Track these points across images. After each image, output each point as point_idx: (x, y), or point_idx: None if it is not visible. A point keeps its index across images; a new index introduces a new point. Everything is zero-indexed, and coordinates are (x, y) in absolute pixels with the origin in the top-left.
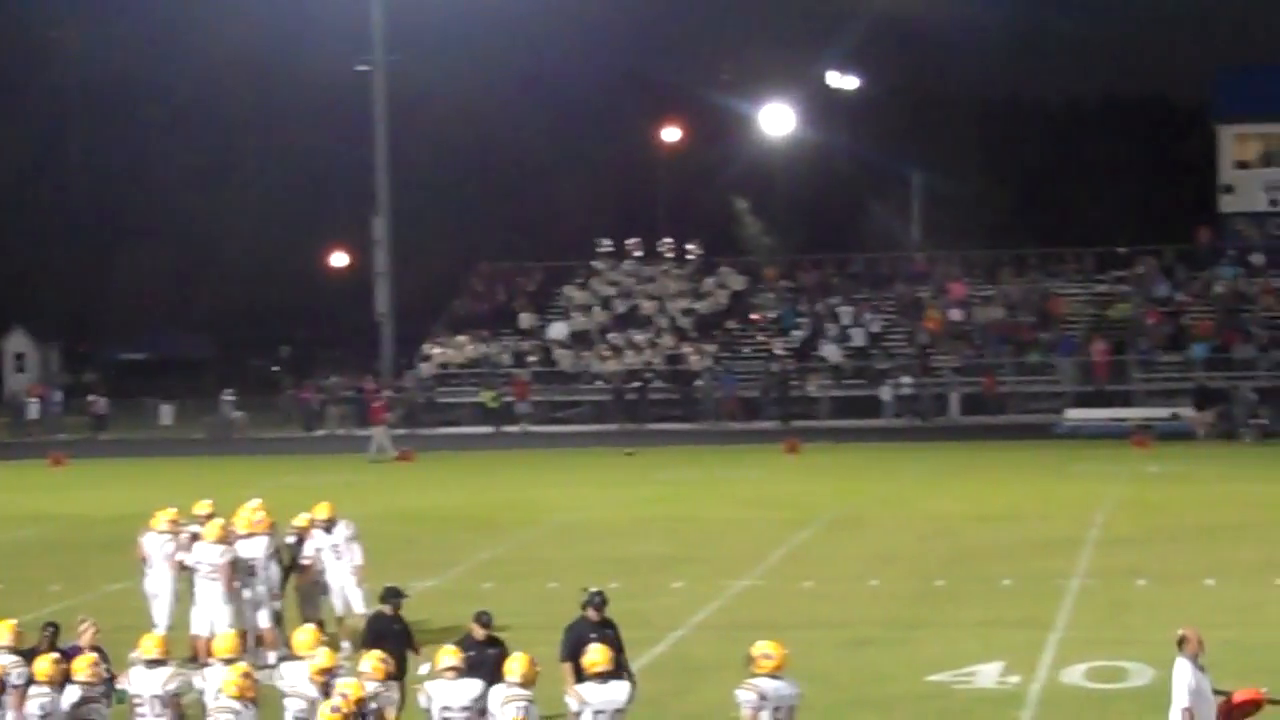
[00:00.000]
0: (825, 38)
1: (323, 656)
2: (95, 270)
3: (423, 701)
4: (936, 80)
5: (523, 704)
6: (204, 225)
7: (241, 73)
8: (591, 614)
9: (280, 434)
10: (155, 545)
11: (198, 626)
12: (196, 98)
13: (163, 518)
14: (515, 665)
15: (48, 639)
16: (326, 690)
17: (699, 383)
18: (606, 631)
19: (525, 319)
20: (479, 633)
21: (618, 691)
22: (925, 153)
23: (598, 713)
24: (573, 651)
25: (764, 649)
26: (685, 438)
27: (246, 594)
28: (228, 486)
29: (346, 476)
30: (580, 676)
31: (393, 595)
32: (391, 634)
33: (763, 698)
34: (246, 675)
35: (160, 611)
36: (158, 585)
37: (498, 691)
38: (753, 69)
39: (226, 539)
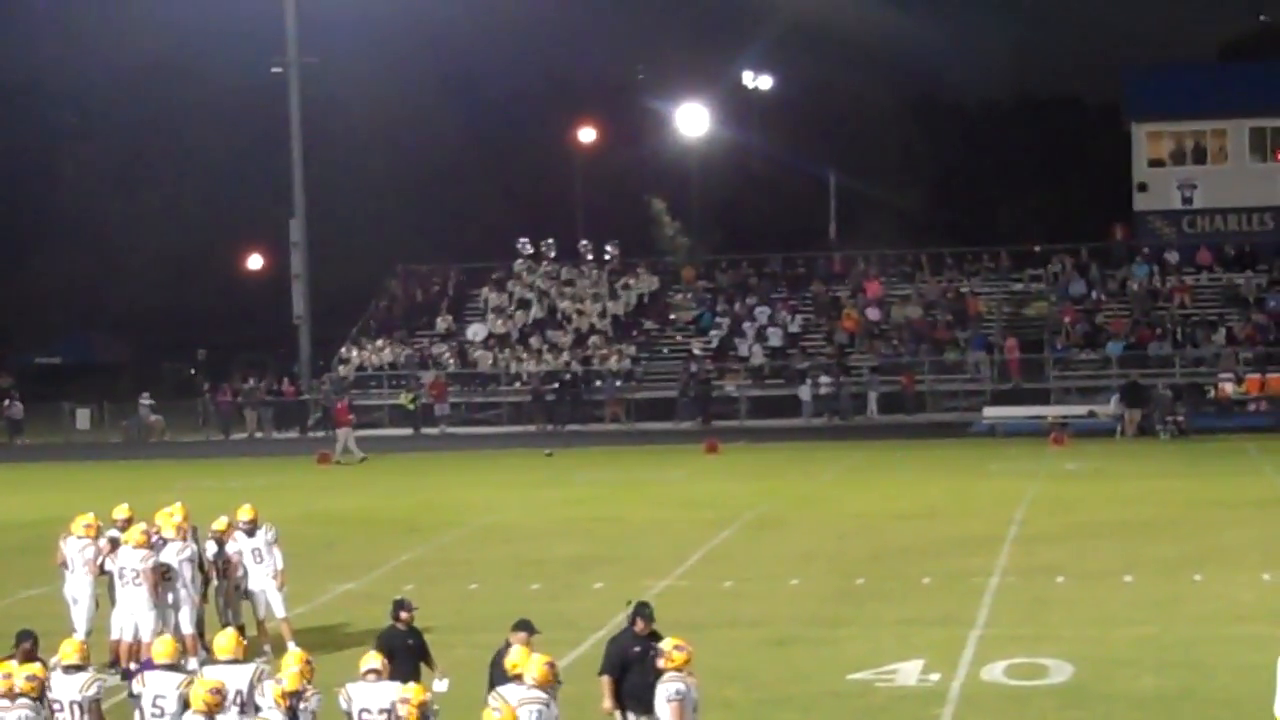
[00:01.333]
0: (740, 38)
1: (289, 679)
2: (8, 274)
3: (342, 703)
4: (852, 80)
5: (538, 707)
6: (118, 228)
7: (155, 74)
8: (640, 626)
9: (198, 438)
10: (75, 550)
11: (118, 631)
12: (109, 99)
13: (82, 522)
14: (532, 667)
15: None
16: (293, 715)
17: (618, 383)
18: (651, 644)
19: (443, 321)
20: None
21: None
22: (841, 153)
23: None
24: (615, 666)
25: (669, 646)
26: (604, 439)
27: (169, 599)
28: (146, 491)
29: (265, 480)
30: (618, 690)
31: (402, 608)
32: (404, 649)
33: (687, 690)
34: (216, 691)
35: (80, 617)
36: (77, 590)
37: (511, 692)
38: (668, 69)
39: (149, 544)
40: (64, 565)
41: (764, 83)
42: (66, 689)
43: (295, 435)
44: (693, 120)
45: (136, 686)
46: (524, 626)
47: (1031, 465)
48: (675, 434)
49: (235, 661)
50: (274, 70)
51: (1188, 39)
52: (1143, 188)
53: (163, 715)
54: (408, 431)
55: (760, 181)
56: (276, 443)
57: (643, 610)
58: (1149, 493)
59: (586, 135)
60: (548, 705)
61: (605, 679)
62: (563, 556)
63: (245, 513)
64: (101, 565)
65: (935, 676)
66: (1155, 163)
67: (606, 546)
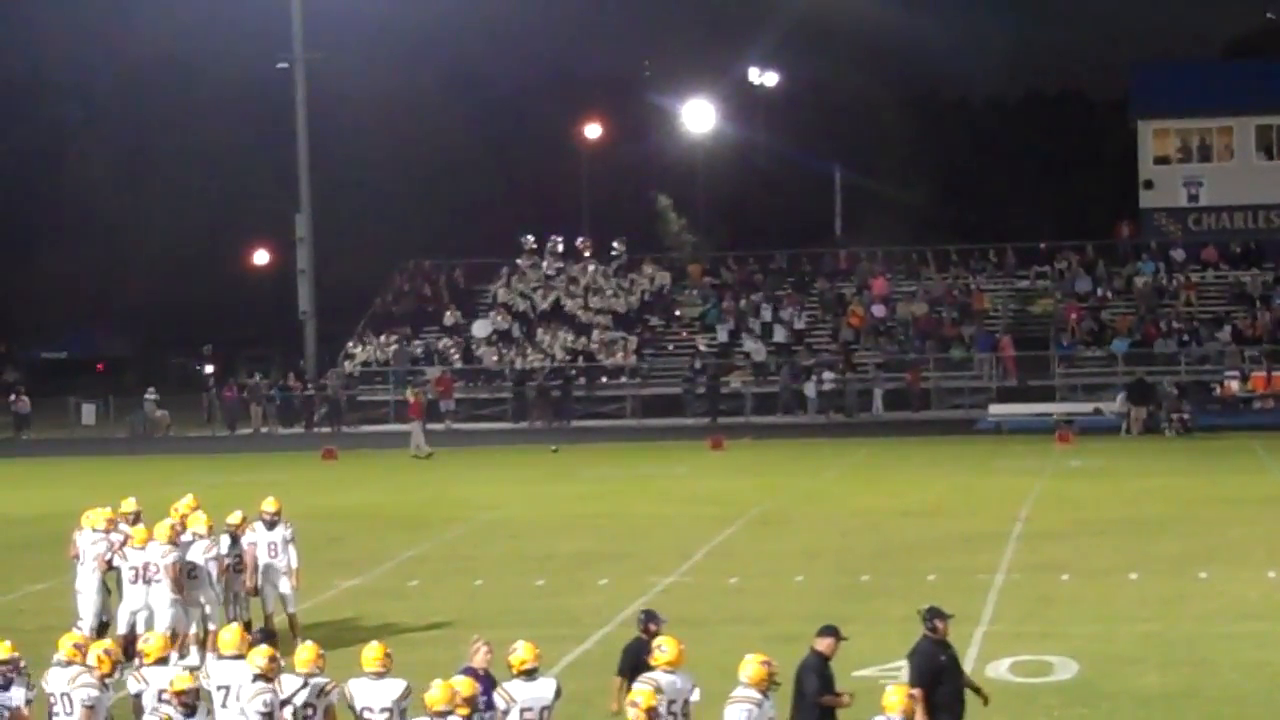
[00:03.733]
0: (746, 34)
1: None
2: (14, 269)
3: (500, 703)
4: (857, 77)
5: (749, 707)
6: (125, 223)
7: (160, 70)
8: (653, 627)
9: (204, 433)
10: (85, 543)
11: (124, 626)
12: (115, 94)
13: (98, 516)
14: (748, 666)
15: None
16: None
17: (624, 380)
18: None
19: (449, 316)
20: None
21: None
22: (847, 149)
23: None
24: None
25: (660, 643)
26: (610, 435)
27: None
28: (151, 486)
29: (270, 475)
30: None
31: (651, 620)
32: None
33: (658, 691)
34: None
35: (86, 610)
36: (82, 583)
37: (740, 692)
38: (674, 65)
39: (175, 540)
40: (76, 558)
41: (770, 79)
42: (58, 682)
43: (301, 430)
44: (699, 116)
45: (134, 684)
46: (830, 632)
47: (1037, 462)
48: (680, 430)
49: (239, 657)
50: (280, 65)
51: (1194, 36)
52: (1149, 185)
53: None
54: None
55: (766, 178)
56: (282, 438)
57: (653, 617)
58: (1154, 490)
59: (593, 131)
60: (759, 705)
61: (618, 679)
62: (567, 552)
63: (270, 504)
64: (109, 560)
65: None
66: (1161, 160)
67: (611, 542)
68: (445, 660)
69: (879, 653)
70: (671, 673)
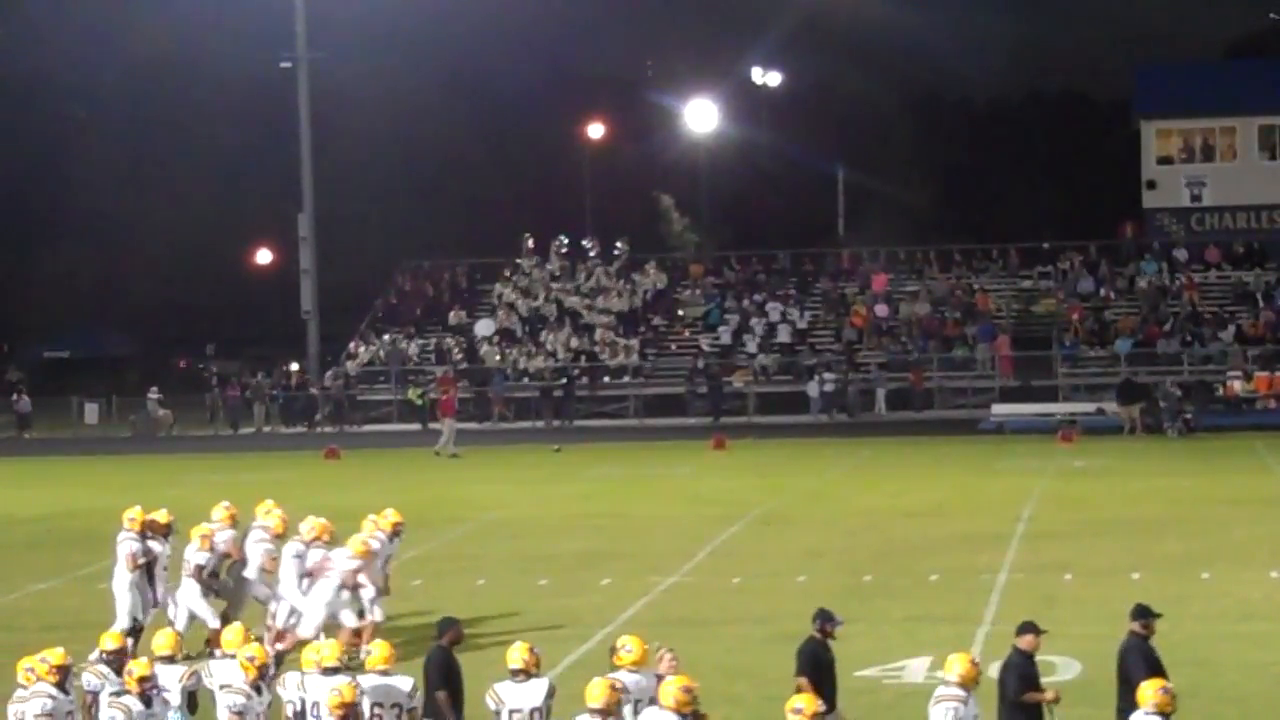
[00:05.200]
0: (749, 34)
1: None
2: (17, 268)
3: (491, 704)
4: (860, 77)
5: (955, 704)
6: (128, 222)
7: (163, 69)
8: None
9: (206, 432)
10: (118, 543)
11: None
12: (118, 94)
13: (127, 516)
14: (956, 664)
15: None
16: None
17: (626, 379)
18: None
19: (452, 316)
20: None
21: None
22: (849, 149)
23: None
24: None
25: (625, 643)
26: (613, 435)
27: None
28: (153, 486)
29: (273, 474)
30: (819, 692)
31: (450, 625)
32: (457, 669)
33: (623, 690)
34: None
35: (121, 609)
36: (115, 583)
37: (941, 691)
38: (677, 65)
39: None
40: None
41: (773, 79)
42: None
43: (303, 430)
44: (701, 116)
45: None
46: (1030, 628)
47: (1039, 462)
48: (683, 430)
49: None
50: (283, 65)
51: (1197, 37)
52: (1152, 185)
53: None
54: (416, 426)
55: (769, 178)
56: (284, 437)
57: (829, 617)
58: (1157, 490)
59: (595, 131)
60: (964, 704)
61: (802, 680)
62: (570, 552)
63: (393, 515)
64: (138, 560)
65: (943, 673)
66: (1164, 160)
67: (614, 542)
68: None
69: (881, 653)
70: (636, 672)
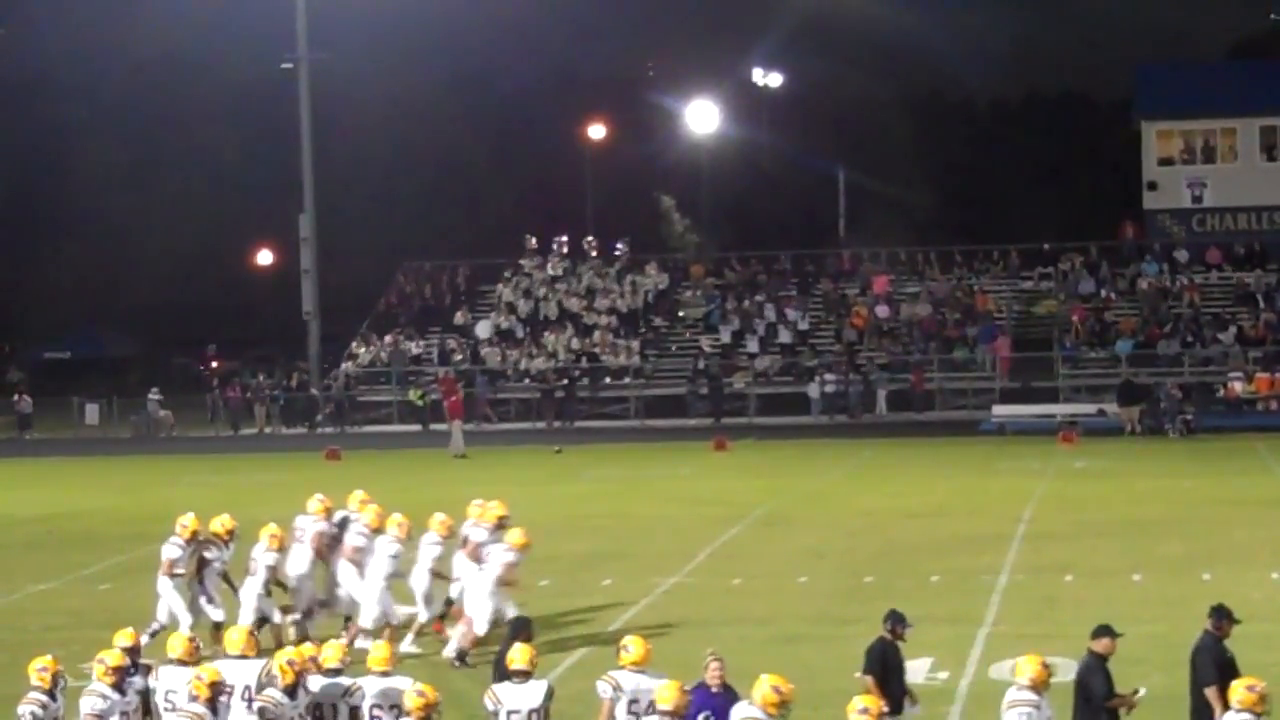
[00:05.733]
0: (750, 35)
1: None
2: (18, 268)
3: (489, 705)
4: (861, 78)
5: (1028, 709)
6: (128, 223)
7: (165, 70)
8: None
9: (207, 433)
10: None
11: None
12: (119, 95)
13: (180, 522)
14: (1027, 667)
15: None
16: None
17: (627, 380)
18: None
19: (461, 316)
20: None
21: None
22: (850, 150)
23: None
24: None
25: (627, 642)
26: (613, 435)
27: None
28: (154, 486)
29: (273, 476)
30: (885, 692)
31: (899, 622)
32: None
33: (617, 689)
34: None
35: (161, 612)
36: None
37: (1007, 693)
38: (678, 66)
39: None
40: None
41: (773, 80)
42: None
43: (304, 431)
44: (702, 117)
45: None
46: (1106, 632)
47: (1040, 464)
48: (684, 431)
49: (244, 657)
50: (284, 66)
51: (1198, 38)
52: (1152, 186)
53: (174, 709)
54: (416, 428)
55: (769, 179)
56: (285, 438)
57: (900, 619)
58: (1158, 491)
59: (596, 132)
60: (1038, 708)
61: (868, 679)
62: (571, 553)
63: (499, 509)
64: (175, 567)
65: (943, 675)
66: (1165, 161)
67: (615, 543)
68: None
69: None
70: (640, 672)
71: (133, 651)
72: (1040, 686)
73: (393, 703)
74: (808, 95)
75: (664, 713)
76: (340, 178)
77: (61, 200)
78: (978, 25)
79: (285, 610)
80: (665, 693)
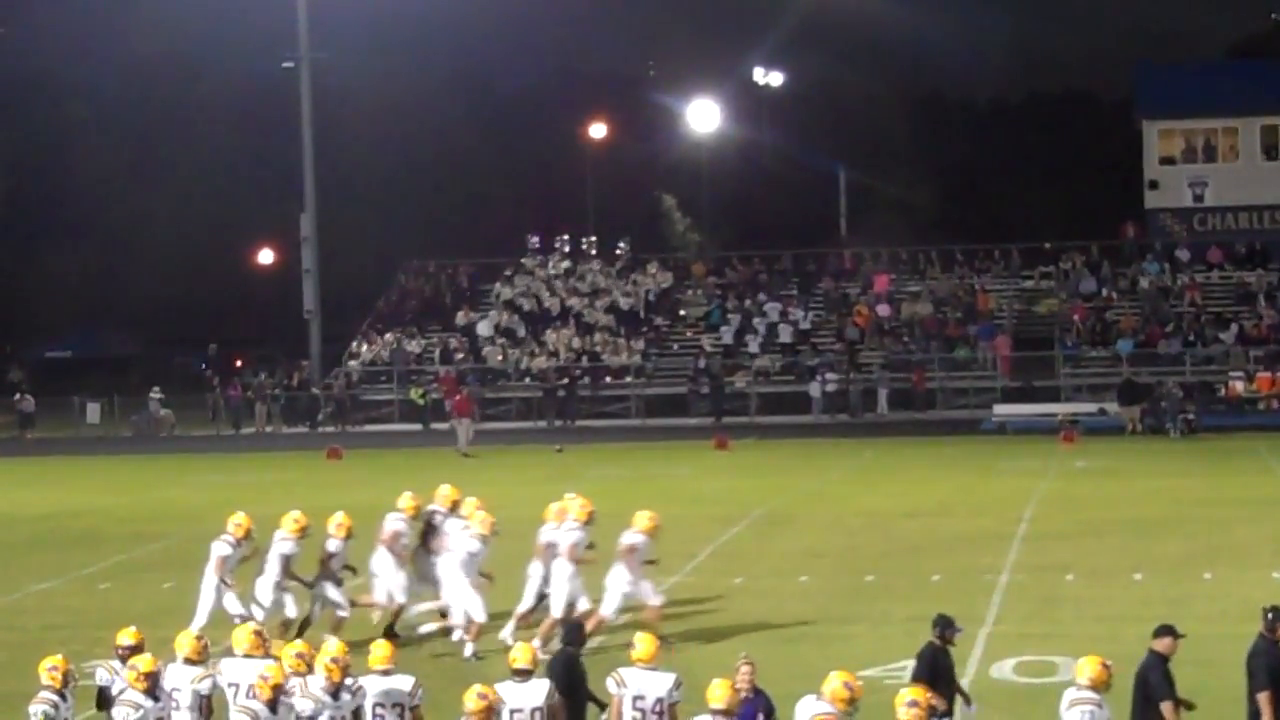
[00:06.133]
0: (751, 35)
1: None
2: (19, 267)
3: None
4: (862, 77)
5: (1090, 708)
6: (129, 222)
7: (166, 69)
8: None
9: (208, 432)
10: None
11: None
12: (120, 94)
13: (232, 521)
14: (1087, 667)
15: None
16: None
17: (628, 379)
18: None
19: (464, 316)
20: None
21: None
22: (851, 149)
23: (514, 712)
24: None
25: (635, 639)
26: (614, 435)
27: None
28: (155, 485)
29: (274, 475)
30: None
31: (948, 626)
32: (581, 676)
33: (621, 684)
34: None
35: (203, 610)
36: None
37: (1066, 694)
38: (679, 65)
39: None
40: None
41: (775, 79)
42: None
43: (305, 430)
44: (703, 116)
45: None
46: (1167, 631)
47: (1041, 463)
48: (685, 430)
49: (250, 656)
50: (285, 65)
51: (1199, 37)
52: (1154, 185)
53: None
54: (417, 426)
55: (771, 178)
56: (286, 437)
57: (950, 624)
58: (1159, 491)
59: (598, 131)
60: (1099, 706)
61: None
62: None
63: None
64: (226, 566)
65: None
66: (1166, 160)
67: (614, 542)
68: (449, 661)
69: (884, 653)
70: (649, 669)
71: (136, 650)
72: (1100, 686)
73: (395, 701)
74: (809, 94)
75: (716, 711)
76: (341, 177)
77: (62, 200)
78: (979, 24)
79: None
80: (717, 691)
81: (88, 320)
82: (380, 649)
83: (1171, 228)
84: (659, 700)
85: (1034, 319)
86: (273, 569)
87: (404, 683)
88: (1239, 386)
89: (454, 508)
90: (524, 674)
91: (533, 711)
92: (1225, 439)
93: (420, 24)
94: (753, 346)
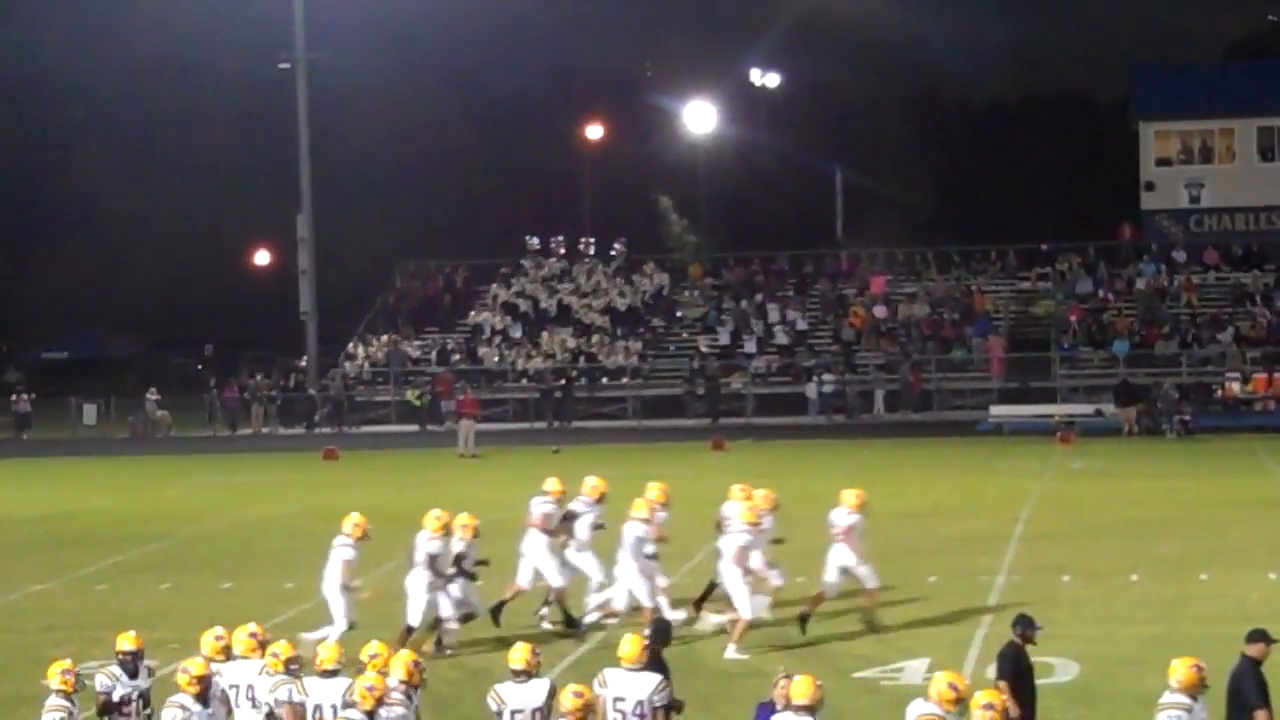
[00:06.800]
0: (748, 35)
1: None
2: (16, 269)
3: (493, 705)
4: (859, 78)
5: (1179, 713)
6: (126, 223)
7: (162, 71)
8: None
9: (204, 433)
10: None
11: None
12: (117, 95)
13: (350, 520)
14: (1178, 670)
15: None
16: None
17: (625, 381)
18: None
19: (476, 315)
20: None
21: (536, 692)
22: (848, 150)
23: (515, 712)
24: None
25: (622, 640)
26: (611, 436)
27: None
28: (152, 486)
29: (271, 475)
30: (1018, 697)
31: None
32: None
33: (602, 685)
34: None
35: (416, 611)
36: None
37: (1166, 698)
38: (676, 66)
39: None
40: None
41: (771, 80)
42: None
43: (301, 431)
44: (700, 117)
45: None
46: (1260, 636)
47: (1038, 464)
48: (681, 431)
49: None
50: (281, 66)
51: (1196, 38)
52: (1150, 187)
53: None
54: (414, 428)
55: (767, 179)
56: (283, 438)
57: (1030, 623)
58: (1155, 492)
59: (594, 132)
60: (1189, 711)
61: (1003, 684)
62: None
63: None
64: (353, 567)
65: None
66: (1163, 162)
67: (612, 544)
68: (448, 661)
69: (880, 654)
70: (635, 670)
71: (135, 655)
72: (1193, 689)
73: (534, 708)
74: (805, 95)
75: (800, 708)
76: (338, 178)
77: (59, 200)
78: (975, 25)
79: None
80: (801, 687)
81: (84, 321)
82: (381, 651)
83: (1168, 229)
84: (639, 703)
85: (1030, 320)
86: (422, 569)
87: (541, 688)
88: (1235, 387)
89: (600, 499)
90: (524, 675)
91: (533, 712)
92: (1222, 440)
93: (416, 25)
94: (749, 347)
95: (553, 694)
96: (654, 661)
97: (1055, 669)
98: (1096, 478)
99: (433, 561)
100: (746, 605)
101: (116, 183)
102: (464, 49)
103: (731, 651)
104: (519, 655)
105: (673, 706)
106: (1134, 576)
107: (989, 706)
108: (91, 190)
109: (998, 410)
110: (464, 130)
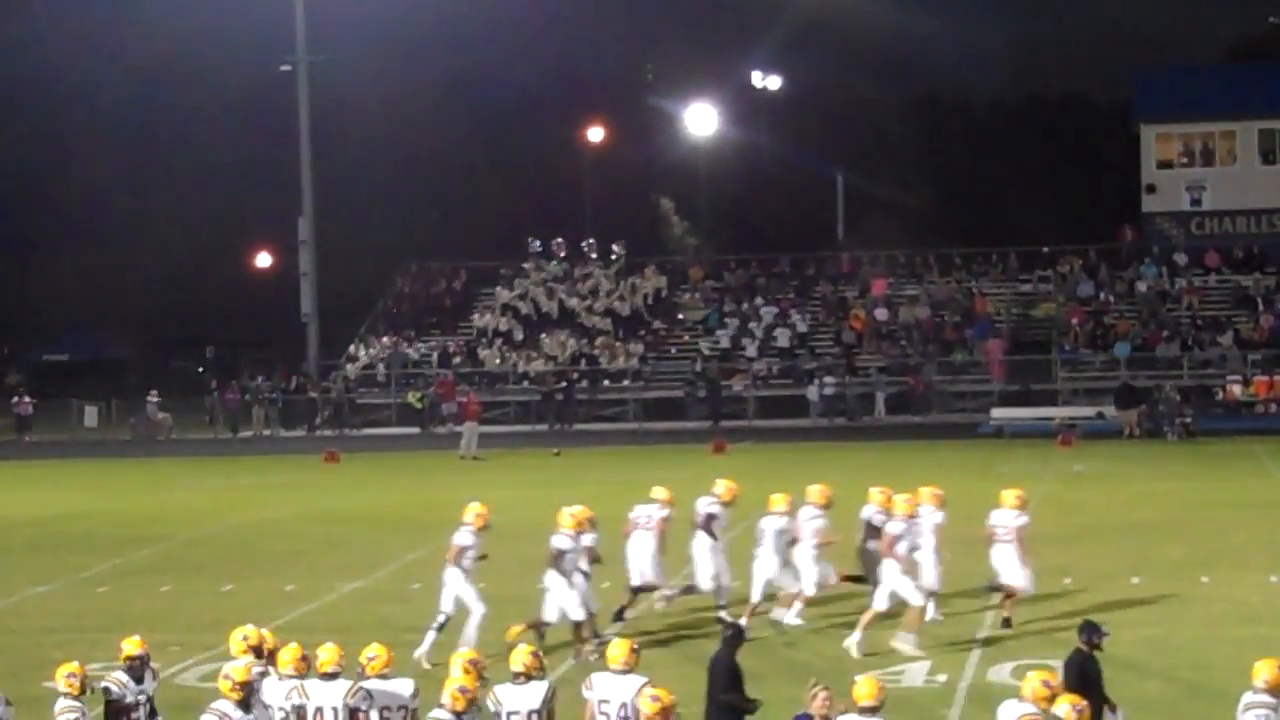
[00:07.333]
0: (749, 38)
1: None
2: (17, 271)
3: (491, 707)
4: (860, 81)
5: (1265, 712)
6: (127, 225)
7: (163, 73)
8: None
9: (205, 435)
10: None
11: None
12: (118, 98)
13: (477, 513)
14: (1262, 670)
15: None
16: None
17: (626, 383)
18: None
19: (479, 318)
20: None
21: (533, 694)
22: (849, 153)
23: (511, 714)
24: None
25: (610, 642)
26: (612, 438)
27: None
28: (153, 488)
29: (272, 478)
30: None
31: (1095, 632)
32: (738, 676)
33: (589, 688)
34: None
35: (469, 606)
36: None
37: (1244, 697)
38: (677, 69)
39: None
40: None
41: (772, 83)
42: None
43: (302, 433)
44: (701, 120)
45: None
46: None
47: (1039, 466)
48: (682, 434)
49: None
50: (283, 68)
51: (1197, 40)
52: (1151, 189)
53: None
54: (415, 430)
55: (768, 181)
56: (284, 440)
57: (1096, 629)
58: (1156, 495)
59: (595, 134)
60: (1275, 710)
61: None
62: None
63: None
64: (465, 555)
65: (942, 677)
66: (1164, 164)
67: (613, 546)
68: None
69: (881, 657)
70: (622, 673)
71: (141, 660)
72: (1278, 689)
73: (400, 704)
74: (806, 98)
75: (865, 709)
76: (339, 180)
77: (60, 202)
78: (976, 28)
79: (638, 591)
80: (864, 688)
81: (86, 323)
82: (380, 653)
83: (1169, 231)
84: (624, 705)
85: (1031, 322)
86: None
87: (404, 687)
88: (1236, 390)
89: (890, 506)
90: (522, 677)
91: (529, 714)
92: (1223, 443)
93: (417, 27)
94: (750, 350)
95: (551, 696)
96: (727, 663)
97: (1056, 671)
98: (1097, 480)
99: (559, 558)
100: (913, 593)
101: (117, 185)
102: (465, 52)
103: (901, 641)
104: (518, 658)
105: (746, 709)
106: (1135, 579)
107: (1079, 710)
108: (92, 192)
109: (999, 413)
110: (465, 133)
